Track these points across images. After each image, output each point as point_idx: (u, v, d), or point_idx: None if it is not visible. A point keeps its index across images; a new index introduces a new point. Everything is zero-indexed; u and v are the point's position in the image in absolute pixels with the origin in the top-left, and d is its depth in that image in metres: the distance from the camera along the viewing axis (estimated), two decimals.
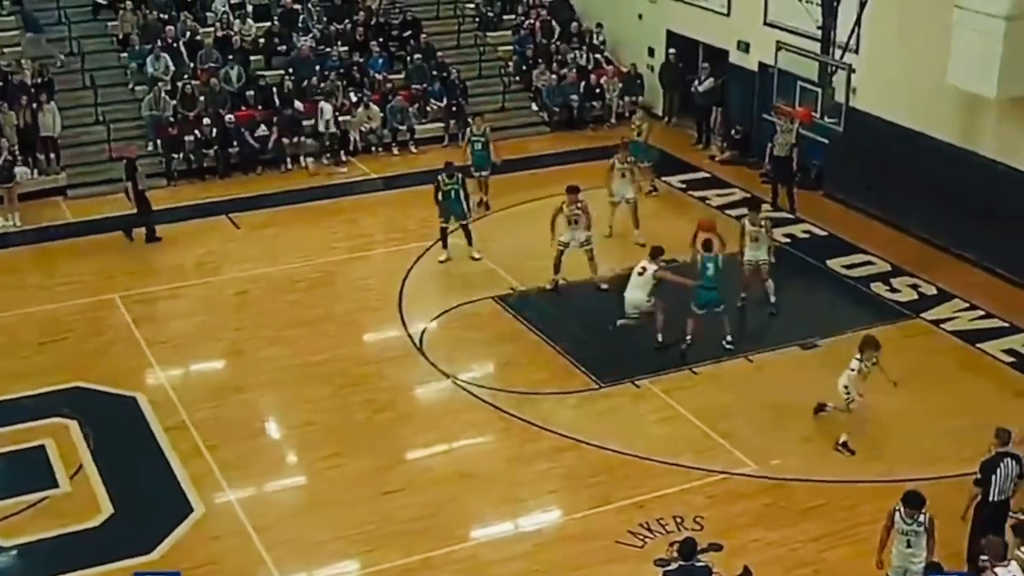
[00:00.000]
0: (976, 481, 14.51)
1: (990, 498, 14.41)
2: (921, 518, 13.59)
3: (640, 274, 20.16)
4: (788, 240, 23.34)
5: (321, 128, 29.09)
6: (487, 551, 15.53)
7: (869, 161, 24.71)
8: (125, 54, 29.76)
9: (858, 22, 22.75)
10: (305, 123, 28.94)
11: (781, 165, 25.51)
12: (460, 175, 23.40)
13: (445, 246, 23.37)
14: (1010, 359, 20.12)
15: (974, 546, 14.36)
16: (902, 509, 13.69)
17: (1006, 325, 21.11)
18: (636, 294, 20.22)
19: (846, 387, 17.39)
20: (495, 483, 16.86)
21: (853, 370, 17.29)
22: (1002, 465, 14.37)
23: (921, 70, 23.36)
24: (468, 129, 26.29)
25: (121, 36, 30.18)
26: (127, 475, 16.94)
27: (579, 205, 22.04)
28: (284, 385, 19.35)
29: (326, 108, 29.07)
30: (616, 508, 16.21)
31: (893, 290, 22.31)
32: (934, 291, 22.10)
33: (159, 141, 27.77)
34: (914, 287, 22.40)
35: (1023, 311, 21.58)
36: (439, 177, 23.36)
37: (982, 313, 21.49)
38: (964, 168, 23.02)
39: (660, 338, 20.36)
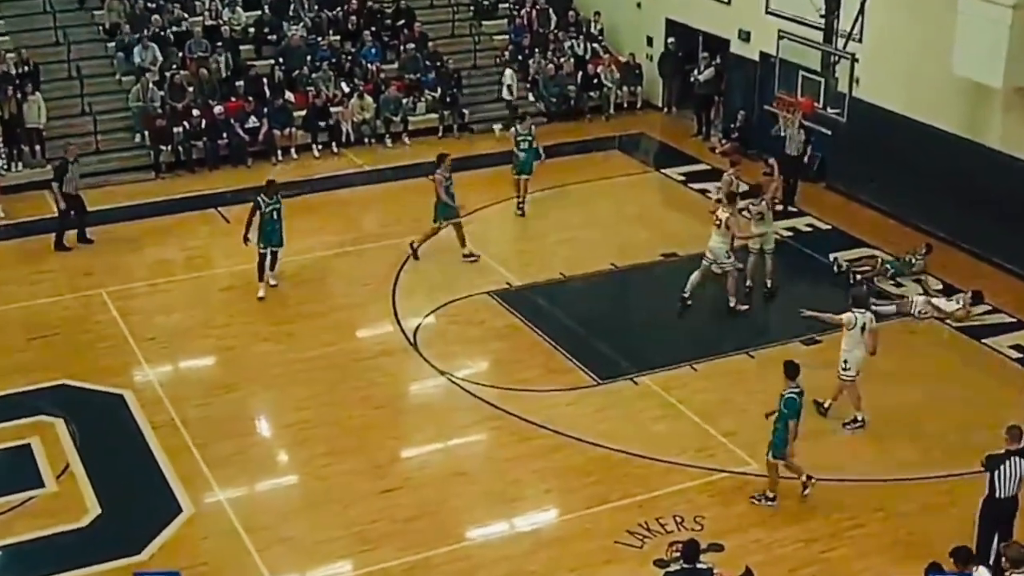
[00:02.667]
0: (985, 468, 14.45)
1: (996, 495, 14.27)
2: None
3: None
4: (790, 233, 23.14)
5: (505, 95, 30.03)
6: (484, 551, 15.38)
7: (872, 153, 24.63)
8: (112, 44, 29.47)
9: (861, 10, 22.41)
10: (296, 114, 28.69)
11: (793, 164, 25.16)
12: (279, 195, 21.83)
13: (261, 278, 21.70)
14: (1018, 355, 20.04)
15: (984, 544, 14.32)
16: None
17: (1014, 320, 21.05)
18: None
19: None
20: (492, 481, 16.71)
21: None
22: (1008, 463, 14.22)
23: (926, 59, 23.33)
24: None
25: (108, 25, 29.86)
26: (115, 474, 16.74)
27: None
28: (276, 382, 19.15)
29: (507, 73, 30.02)
30: (614, 507, 16.05)
31: (898, 284, 22.16)
32: (939, 286, 21.98)
33: (147, 133, 27.54)
34: (919, 281, 22.20)
35: None
36: (258, 197, 21.65)
37: (989, 308, 21.37)
38: (970, 160, 22.97)
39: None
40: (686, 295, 21.17)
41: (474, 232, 23.84)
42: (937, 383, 18.88)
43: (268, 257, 21.67)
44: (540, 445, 17.42)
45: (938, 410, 18.16)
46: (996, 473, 14.18)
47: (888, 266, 22.38)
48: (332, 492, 16.37)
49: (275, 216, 21.51)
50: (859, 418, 17.86)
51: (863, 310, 17.67)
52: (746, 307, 21.29)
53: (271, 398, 18.85)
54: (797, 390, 15.84)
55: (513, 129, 25.34)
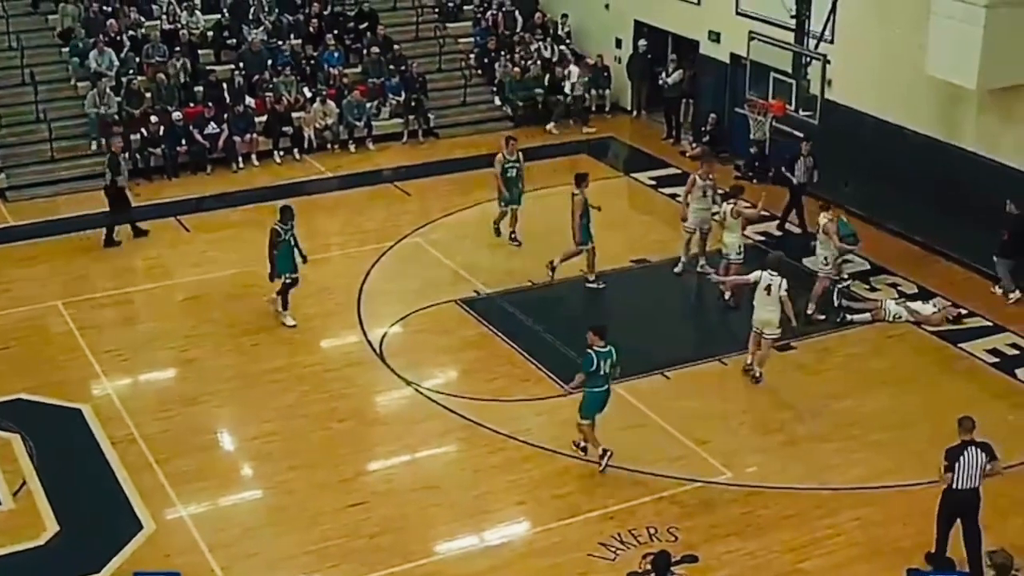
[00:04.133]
0: (945, 468, 14.70)
1: (953, 486, 14.60)
2: None
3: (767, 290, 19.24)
4: (762, 238, 22.92)
5: (567, 90, 30.38)
6: (453, 566, 15.24)
7: (846, 155, 24.56)
8: (67, 49, 29.20)
9: (833, 10, 22.44)
10: (257, 120, 28.46)
11: (804, 191, 24.16)
12: (293, 220, 20.93)
13: (286, 307, 20.92)
14: (994, 359, 20.07)
15: (943, 532, 14.88)
16: None
17: (989, 324, 21.04)
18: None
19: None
20: (460, 494, 16.56)
21: None
22: (966, 453, 14.56)
23: (899, 60, 23.38)
24: None
25: (62, 30, 29.61)
26: (73, 491, 16.53)
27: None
28: (238, 395, 18.96)
29: (574, 71, 30.47)
30: (586, 519, 15.95)
31: (872, 289, 22.11)
32: (915, 290, 21.95)
33: (104, 140, 27.04)
34: (893, 286, 22.17)
35: (1006, 309, 21.51)
36: (276, 226, 20.75)
37: (964, 312, 21.38)
38: (944, 162, 22.99)
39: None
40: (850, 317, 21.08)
41: (440, 239, 23.87)
42: (914, 389, 18.87)
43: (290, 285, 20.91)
44: (510, 456, 17.28)
45: (914, 416, 18.13)
46: (957, 464, 14.50)
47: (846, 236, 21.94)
48: (297, 507, 16.18)
49: (292, 242, 20.89)
50: (755, 373, 19.17)
51: (774, 273, 18.58)
52: (823, 316, 21.01)
53: (234, 411, 18.65)
54: (600, 349, 16.44)
55: (499, 155, 23.56)
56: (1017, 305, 21.60)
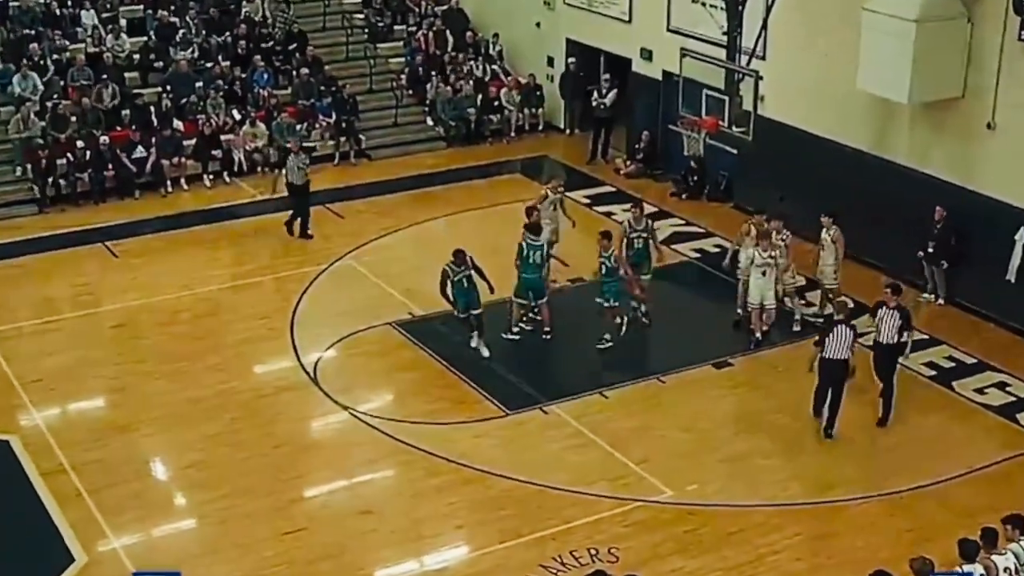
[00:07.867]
0: (815, 342, 18.08)
1: (825, 355, 17.86)
2: None
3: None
4: (697, 255, 22.78)
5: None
6: None
7: (779, 171, 24.56)
8: None
9: (764, 27, 22.70)
10: (186, 143, 28.19)
11: (888, 355, 18.81)
12: (471, 259, 20.42)
13: (472, 332, 20.66)
14: (931, 372, 20.18)
15: (819, 395, 18.24)
16: None
17: (925, 337, 21.03)
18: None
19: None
20: (399, 519, 16.50)
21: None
22: (835, 330, 17.87)
23: (831, 76, 23.52)
24: None
25: None
26: (1, 524, 16.41)
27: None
28: (170, 422, 18.76)
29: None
30: (527, 541, 15.93)
31: (808, 304, 22.13)
32: (851, 304, 21.07)
33: (29, 165, 26.95)
34: (830, 300, 21.81)
35: (943, 322, 21.72)
36: (446, 267, 20.39)
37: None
38: (877, 176, 23.12)
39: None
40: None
41: (373, 261, 23.82)
42: (852, 403, 18.57)
43: (474, 320, 20.55)
44: (449, 480, 17.28)
45: (852, 431, 18.24)
46: (828, 337, 17.82)
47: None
48: (232, 536, 16.07)
49: (465, 284, 20.34)
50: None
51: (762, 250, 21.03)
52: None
53: (166, 439, 18.44)
54: (531, 242, 20.28)
55: (521, 245, 20.99)
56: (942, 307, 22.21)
